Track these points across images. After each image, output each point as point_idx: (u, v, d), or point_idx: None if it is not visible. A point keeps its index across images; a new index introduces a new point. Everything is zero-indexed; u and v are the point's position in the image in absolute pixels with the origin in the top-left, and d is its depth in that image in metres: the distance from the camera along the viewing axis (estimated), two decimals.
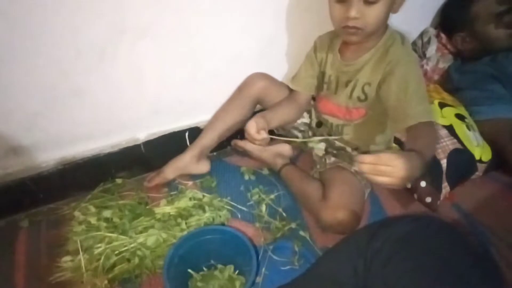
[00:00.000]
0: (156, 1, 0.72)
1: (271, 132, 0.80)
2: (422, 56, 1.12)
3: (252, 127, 0.75)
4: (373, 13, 0.66)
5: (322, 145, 0.90)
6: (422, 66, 1.11)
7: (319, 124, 0.92)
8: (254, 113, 0.93)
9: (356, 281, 0.46)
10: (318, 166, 0.90)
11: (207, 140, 0.91)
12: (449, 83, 1.09)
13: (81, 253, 0.71)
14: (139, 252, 0.71)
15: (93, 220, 0.77)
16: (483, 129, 0.94)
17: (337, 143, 0.88)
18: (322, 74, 0.85)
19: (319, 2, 0.76)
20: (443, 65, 1.13)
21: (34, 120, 0.77)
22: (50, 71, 0.72)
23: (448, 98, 1.01)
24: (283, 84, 0.96)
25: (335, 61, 0.81)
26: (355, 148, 0.87)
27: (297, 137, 0.96)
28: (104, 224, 0.76)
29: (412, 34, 1.15)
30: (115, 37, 0.73)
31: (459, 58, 1.12)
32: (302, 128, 0.96)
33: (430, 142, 0.68)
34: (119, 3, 0.69)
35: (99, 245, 0.72)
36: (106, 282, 0.68)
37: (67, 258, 0.72)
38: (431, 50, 1.12)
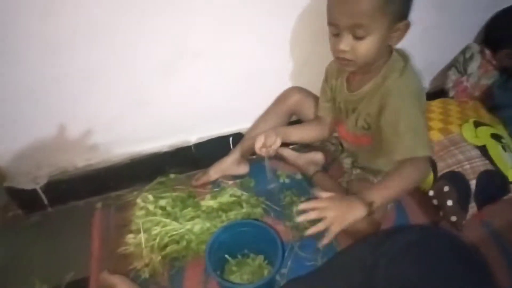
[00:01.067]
0: (214, 29, 0.86)
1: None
2: (463, 72, 1.13)
3: (259, 141, 0.82)
4: (362, 47, 0.67)
5: (349, 160, 0.97)
6: (461, 82, 1.11)
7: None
8: (290, 123, 1.03)
9: (364, 275, 0.53)
10: (345, 176, 0.97)
11: (248, 145, 1.00)
12: (490, 100, 1.08)
13: (141, 233, 0.84)
14: (186, 237, 0.83)
15: (151, 207, 0.88)
16: None
17: (360, 162, 0.93)
18: (334, 100, 0.88)
19: None
20: (485, 81, 1.12)
21: (112, 123, 0.95)
22: (127, 84, 0.89)
23: (486, 116, 1.01)
24: (318, 97, 1.03)
25: (342, 89, 0.84)
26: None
27: (329, 149, 1.03)
28: (160, 211, 0.88)
29: (455, 49, 1.16)
30: (177, 56, 0.88)
31: (504, 75, 1.11)
32: (333, 141, 1.02)
33: (399, 182, 0.67)
34: (182, 29, 0.84)
35: (155, 227, 0.83)
36: (160, 257, 0.81)
37: (131, 236, 0.85)
38: (473, 66, 1.11)
